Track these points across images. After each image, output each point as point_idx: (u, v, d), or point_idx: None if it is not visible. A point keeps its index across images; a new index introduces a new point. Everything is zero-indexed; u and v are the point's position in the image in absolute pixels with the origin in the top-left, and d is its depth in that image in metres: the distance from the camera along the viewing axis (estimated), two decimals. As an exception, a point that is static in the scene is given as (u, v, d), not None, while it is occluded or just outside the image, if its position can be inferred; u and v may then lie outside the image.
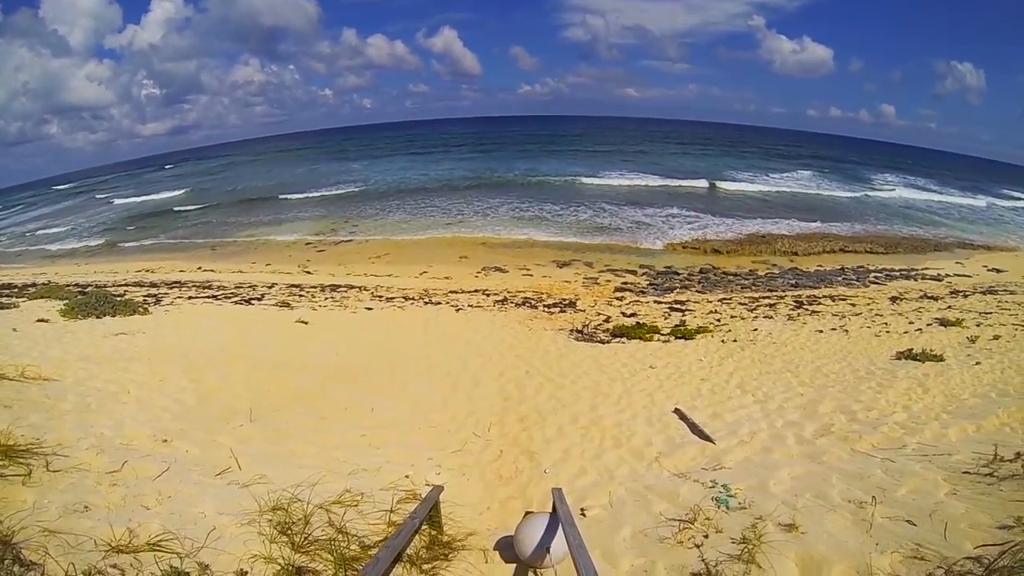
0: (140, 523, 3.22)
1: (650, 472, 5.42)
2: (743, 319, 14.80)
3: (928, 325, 13.70)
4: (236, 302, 15.78)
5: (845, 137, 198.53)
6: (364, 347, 11.15)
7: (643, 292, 19.41)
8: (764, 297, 18.15)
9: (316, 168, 65.46)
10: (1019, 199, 52.41)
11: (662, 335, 12.88)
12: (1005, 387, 8.11)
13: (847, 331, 13.22)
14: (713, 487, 4.43)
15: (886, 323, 14.09)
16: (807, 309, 16.05)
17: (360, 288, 18.98)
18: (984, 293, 18.37)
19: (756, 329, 13.48)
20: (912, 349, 10.65)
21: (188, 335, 10.37)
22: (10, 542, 2.73)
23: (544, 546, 3.49)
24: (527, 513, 4.11)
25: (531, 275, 22.01)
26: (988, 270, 23.83)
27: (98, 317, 10.80)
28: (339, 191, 45.78)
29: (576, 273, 22.34)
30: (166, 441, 4.77)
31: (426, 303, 16.55)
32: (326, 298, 16.97)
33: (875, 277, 22.12)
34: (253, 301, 16.05)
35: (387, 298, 17.21)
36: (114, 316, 11.03)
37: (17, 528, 2.84)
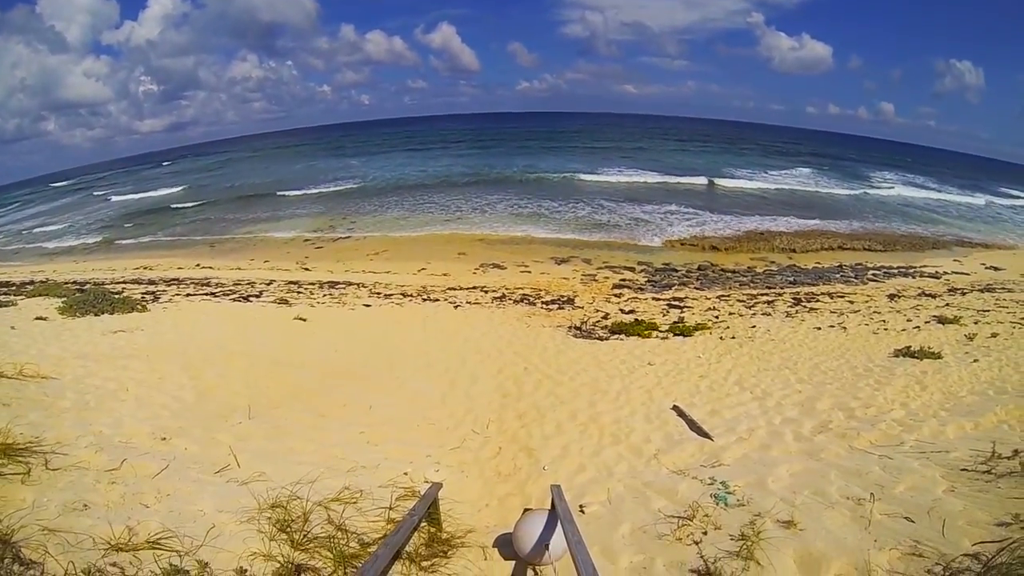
0: (139, 521, 3.22)
1: (649, 469, 5.43)
2: (741, 316, 14.82)
3: (926, 323, 13.72)
4: (234, 299, 15.77)
5: (844, 135, 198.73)
6: (362, 344, 11.15)
7: (641, 289, 19.43)
8: (762, 294, 18.18)
9: (314, 164, 65.41)
10: (1018, 197, 52.54)
11: (660, 332, 12.89)
12: (1003, 385, 8.12)
13: (845, 328, 13.25)
14: (712, 484, 4.44)
15: (884, 320, 14.12)
16: (805, 306, 16.07)
17: (358, 285, 18.97)
18: (982, 291, 18.41)
19: (754, 326, 13.50)
20: (910, 346, 10.67)
21: (187, 332, 10.35)
22: (9, 541, 2.72)
23: (543, 543, 3.50)
24: (526, 510, 4.11)
25: (529, 272, 22.01)
26: (986, 268, 23.88)
27: (96, 315, 10.77)
28: (337, 187, 45.74)
29: (574, 270, 22.35)
30: (165, 439, 4.76)
31: (424, 300, 16.55)
32: (324, 295, 16.96)
33: (873, 275, 22.16)
34: (251, 298, 16.03)
35: (385, 295, 17.21)
36: (112, 314, 11.00)
37: (17, 527, 2.84)
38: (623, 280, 20.72)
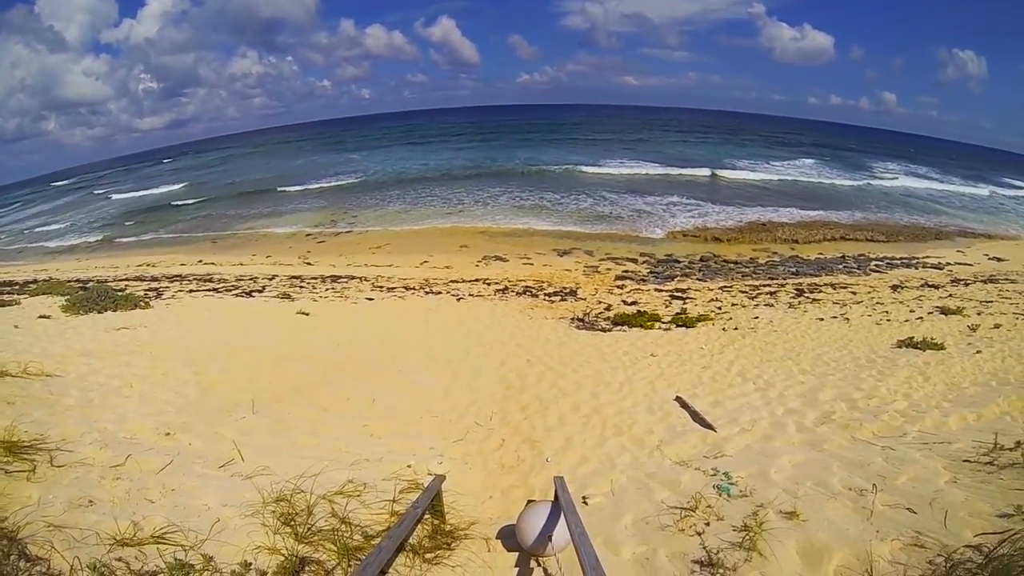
0: (144, 516, 3.24)
1: (651, 460, 5.44)
2: (744, 307, 14.81)
3: (929, 313, 13.70)
4: (237, 295, 15.79)
5: (846, 125, 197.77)
6: (365, 338, 11.17)
7: (644, 280, 19.41)
8: (765, 285, 18.15)
9: (315, 159, 65.31)
10: (1021, 187, 52.20)
11: (663, 323, 12.89)
12: (1006, 376, 8.11)
13: (848, 319, 13.23)
14: (714, 475, 4.45)
15: (887, 311, 14.09)
16: (808, 297, 16.05)
17: (361, 279, 18.99)
18: (985, 282, 18.35)
19: (757, 317, 13.48)
20: (913, 337, 10.65)
21: (190, 328, 10.38)
22: (16, 537, 2.74)
23: (546, 534, 3.51)
24: (529, 501, 4.13)
25: (532, 264, 22.00)
26: (989, 259, 23.79)
27: (99, 312, 10.80)
28: (338, 182, 45.63)
29: (577, 262, 22.32)
30: (169, 434, 4.78)
31: (427, 293, 16.56)
32: (327, 289, 16.98)
33: (876, 265, 22.10)
34: (254, 293, 16.06)
35: (388, 288, 17.22)
36: (115, 311, 11.03)
37: (23, 524, 2.86)
38: (625, 272, 20.71)
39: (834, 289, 17.39)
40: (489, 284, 18.05)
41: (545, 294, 16.60)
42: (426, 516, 3.89)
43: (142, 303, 12.00)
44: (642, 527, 3.83)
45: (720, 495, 4.03)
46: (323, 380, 7.81)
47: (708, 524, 3.65)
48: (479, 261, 22.51)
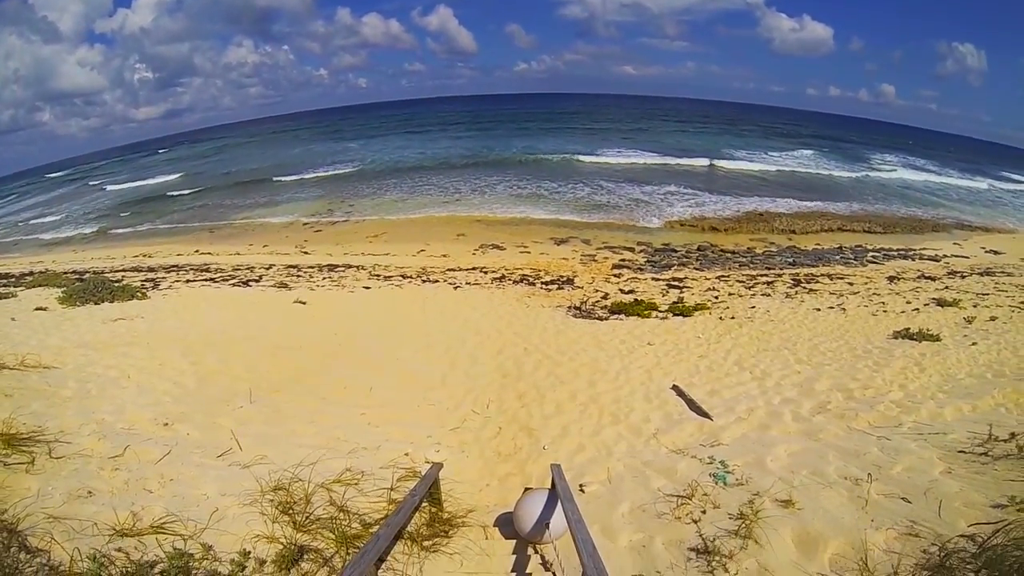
0: (143, 506, 3.25)
1: (648, 448, 5.48)
2: (741, 297, 14.83)
3: (925, 305, 13.72)
4: (234, 284, 15.77)
5: (845, 116, 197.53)
6: (362, 326, 11.16)
7: (641, 269, 19.43)
8: (762, 275, 18.16)
9: (312, 148, 64.93)
10: (1019, 181, 52.14)
11: (660, 312, 12.90)
12: (1001, 368, 8.14)
13: (844, 310, 13.25)
14: (711, 463, 4.47)
15: (883, 302, 14.12)
16: (805, 287, 16.07)
17: (358, 267, 18.96)
18: (981, 274, 18.38)
19: (754, 307, 13.50)
20: (909, 329, 10.68)
21: (187, 319, 10.36)
22: (15, 529, 2.75)
23: (543, 522, 3.53)
24: (526, 489, 4.15)
25: (529, 252, 21.99)
26: (986, 252, 23.81)
27: (96, 303, 10.77)
28: (335, 171, 45.40)
29: (574, 250, 22.32)
30: (167, 424, 4.79)
31: (424, 281, 16.55)
32: (324, 278, 16.95)
33: (873, 257, 22.13)
34: (251, 283, 16.03)
35: (385, 277, 17.20)
36: (112, 302, 10.99)
37: (22, 515, 2.86)
38: (623, 260, 20.71)
39: (831, 280, 17.41)
40: (486, 272, 18.04)
41: (542, 283, 16.61)
42: (424, 504, 3.91)
43: (139, 294, 11.97)
44: (639, 515, 3.85)
45: (716, 483, 4.06)
46: (320, 369, 7.82)
47: (704, 512, 3.67)
48: (476, 250, 22.49)
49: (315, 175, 44.45)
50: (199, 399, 5.69)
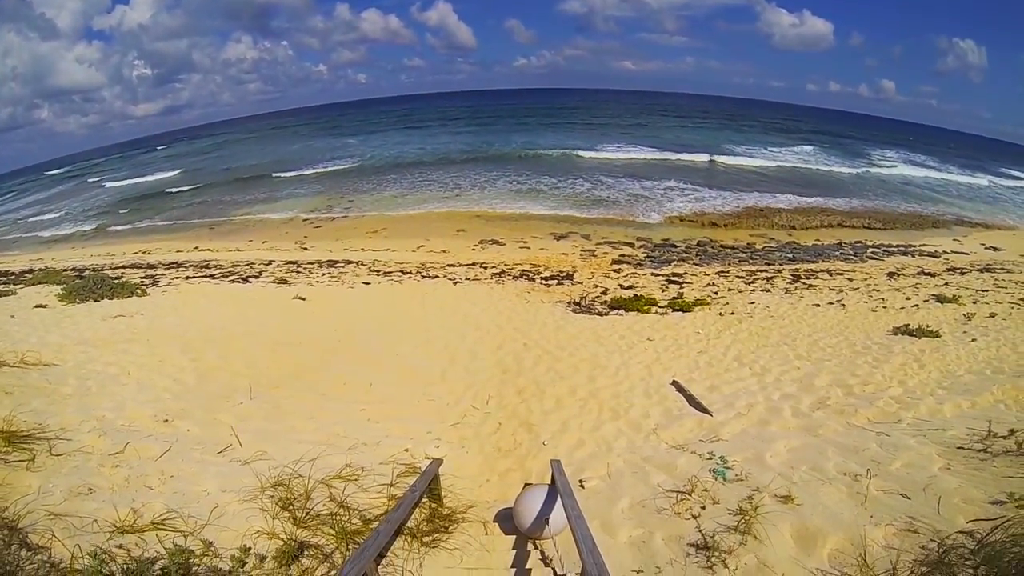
0: (144, 503, 3.26)
1: (648, 444, 5.48)
2: (740, 292, 14.83)
3: (925, 301, 13.72)
4: (234, 281, 15.75)
5: (845, 112, 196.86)
6: (362, 322, 11.16)
7: (641, 264, 19.41)
8: (761, 271, 18.16)
9: (311, 144, 64.72)
10: (1019, 178, 52.02)
11: (660, 307, 12.91)
12: (1000, 364, 8.15)
13: (844, 306, 13.26)
14: (710, 459, 4.49)
15: (883, 298, 14.12)
16: (804, 283, 16.07)
17: (357, 263, 18.94)
18: (981, 271, 18.37)
19: (753, 302, 13.51)
20: (909, 325, 10.69)
21: (186, 315, 10.36)
22: (16, 527, 2.75)
23: (543, 517, 3.54)
24: (526, 485, 4.16)
25: (528, 248, 21.96)
26: (985, 248, 23.78)
27: (96, 300, 10.76)
28: (335, 167, 45.27)
29: (573, 246, 22.29)
30: (167, 421, 4.79)
31: (423, 277, 16.53)
32: (323, 274, 16.94)
33: (873, 253, 22.11)
34: (251, 279, 16.02)
35: (384, 272, 17.18)
36: (112, 299, 10.98)
37: (23, 513, 2.87)
38: (622, 256, 20.69)
39: (830, 275, 17.41)
40: (486, 268, 18.02)
41: (542, 278, 16.60)
42: (424, 500, 3.92)
43: (138, 290, 11.96)
44: (638, 510, 3.87)
45: (716, 479, 4.07)
46: (320, 365, 7.82)
47: (704, 508, 3.68)
48: (476, 245, 22.46)
49: (314, 171, 44.31)
50: (199, 395, 5.69)
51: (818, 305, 13.26)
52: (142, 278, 15.38)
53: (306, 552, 3.13)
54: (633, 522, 3.73)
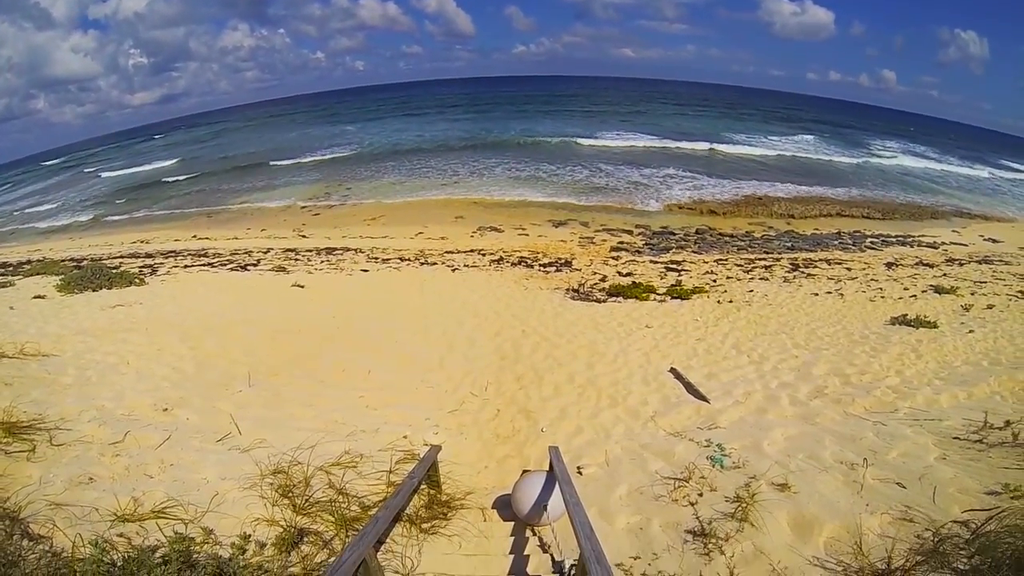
0: (144, 492, 3.27)
1: (646, 431, 5.51)
2: (739, 280, 14.83)
3: (923, 292, 13.74)
4: (232, 269, 15.72)
5: (845, 102, 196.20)
6: (361, 309, 11.15)
7: (639, 252, 19.39)
8: (760, 259, 18.15)
9: (309, 132, 64.38)
10: (1019, 171, 51.86)
11: (658, 295, 12.91)
12: (997, 356, 8.19)
13: (842, 295, 13.27)
14: (708, 446, 4.51)
15: (881, 288, 14.14)
16: (803, 272, 16.08)
17: (356, 250, 18.90)
18: (980, 262, 18.40)
19: (752, 291, 13.52)
20: (906, 315, 10.71)
21: (185, 304, 10.34)
22: (18, 517, 2.77)
23: (541, 504, 3.56)
24: (524, 471, 4.18)
25: (527, 235, 21.93)
26: (984, 240, 23.78)
27: (94, 290, 10.73)
28: (333, 155, 45.00)
29: (572, 233, 22.26)
30: (166, 410, 4.80)
31: (422, 264, 16.51)
32: (322, 261, 16.91)
33: (871, 242, 22.10)
34: (249, 267, 15.98)
35: (383, 260, 17.16)
36: (110, 288, 10.95)
37: (24, 503, 2.88)
38: (621, 243, 20.67)
39: (829, 265, 17.42)
40: (484, 255, 18.00)
41: (540, 265, 16.59)
42: (422, 486, 3.94)
43: (137, 280, 11.93)
44: (636, 497, 3.89)
45: (713, 466, 4.09)
46: (319, 352, 7.83)
47: (701, 495, 3.71)
48: (474, 232, 22.41)
49: (312, 159, 44.07)
50: (198, 384, 5.70)
51: (816, 294, 13.28)
52: (140, 267, 15.35)
53: (306, 539, 3.15)
54: (631, 509, 3.75)
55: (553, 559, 3.32)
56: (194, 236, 24.65)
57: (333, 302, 11.62)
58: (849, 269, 16.75)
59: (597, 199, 27.79)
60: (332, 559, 2.98)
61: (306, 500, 3.49)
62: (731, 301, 12.36)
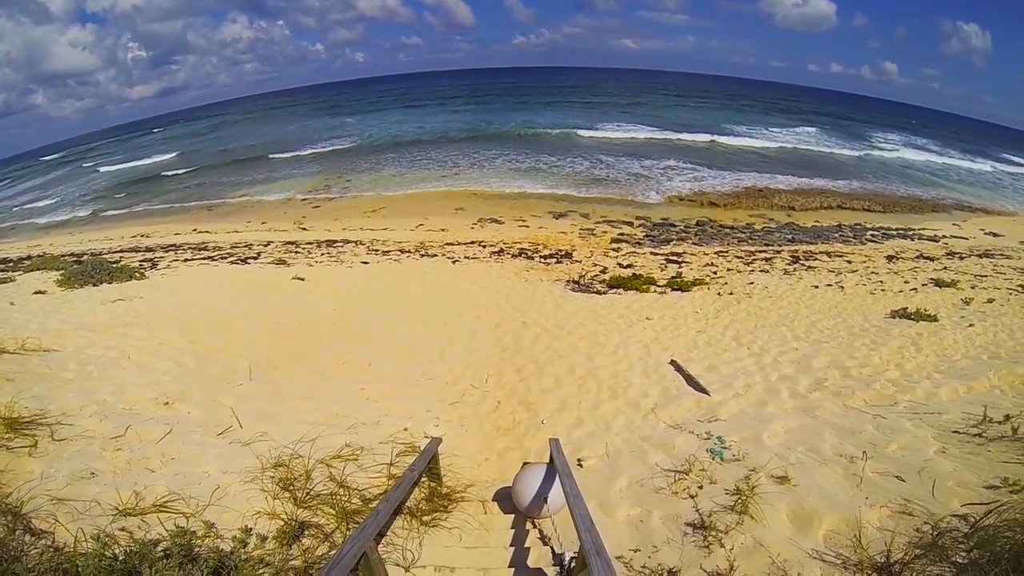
0: (146, 486, 3.28)
1: (646, 423, 5.51)
2: (739, 272, 14.81)
3: (923, 285, 13.70)
4: (232, 262, 15.70)
5: (846, 94, 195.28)
6: (361, 301, 11.15)
7: (640, 244, 19.37)
8: (760, 251, 18.13)
9: (308, 124, 64.17)
10: (1022, 164, 51.66)
11: (658, 287, 12.90)
12: (997, 350, 8.17)
13: (843, 288, 13.25)
14: (708, 439, 4.52)
15: (881, 281, 14.11)
16: (803, 264, 16.05)
17: (356, 243, 18.88)
18: (980, 256, 18.34)
19: (752, 283, 13.50)
20: (907, 308, 10.68)
21: (185, 298, 10.34)
22: (20, 512, 2.78)
23: (542, 496, 3.57)
24: (525, 464, 4.19)
25: (527, 226, 21.89)
26: (985, 233, 23.71)
27: (95, 285, 10.73)
28: (332, 147, 44.84)
29: (572, 224, 22.23)
30: (167, 404, 4.82)
31: (422, 256, 16.50)
32: (322, 254, 16.89)
33: (872, 235, 22.04)
34: (249, 260, 15.97)
35: (383, 252, 17.14)
36: (111, 283, 10.96)
37: (26, 498, 2.90)
38: (621, 235, 20.64)
39: (829, 257, 17.38)
40: (484, 247, 17.97)
41: (540, 257, 16.57)
42: (423, 479, 3.95)
43: (137, 274, 11.93)
44: (636, 489, 3.90)
45: (713, 459, 4.10)
46: (319, 345, 7.83)
47: (701, 487, 3.72)
48: (474, 224, 22.39)
49: (312, 151, 43.93)
50: (199, 378, 5.71)
51: (816, 287, 13.26)
52: (140, 261, 15.33)
53: (307, 532, 3.16)
54: (631, 501, 3.76)
55: (553, 551, 3.34)
56: (194, 230, 24.62)
57: (333, 295, 11.62)
58: (850, 262, 16.71)
59: (597, 191, 27.72)
60: (333, 552, 2.99)
61: (307, 493, 3.50)
62: (731, 293, 12.34)
